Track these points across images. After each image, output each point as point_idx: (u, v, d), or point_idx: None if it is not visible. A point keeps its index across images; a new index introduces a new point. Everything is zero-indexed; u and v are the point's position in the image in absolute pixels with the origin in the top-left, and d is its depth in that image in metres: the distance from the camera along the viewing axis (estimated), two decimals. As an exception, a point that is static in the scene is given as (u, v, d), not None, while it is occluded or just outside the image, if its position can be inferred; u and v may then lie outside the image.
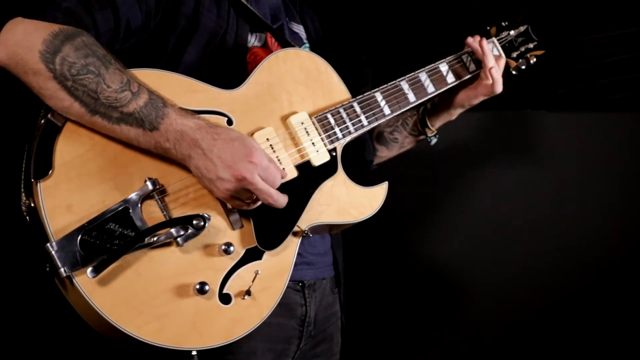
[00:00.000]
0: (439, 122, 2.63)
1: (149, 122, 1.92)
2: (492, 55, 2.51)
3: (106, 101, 1.90)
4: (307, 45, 2.50)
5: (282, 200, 2.02)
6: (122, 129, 1.92)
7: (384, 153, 2.71)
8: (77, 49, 1.90)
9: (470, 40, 2.53)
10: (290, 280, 2.14)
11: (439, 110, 2.61)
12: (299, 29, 2.51)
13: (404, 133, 2.66)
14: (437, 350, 3.75)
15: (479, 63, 2.53)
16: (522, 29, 2.64)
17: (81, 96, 1.89)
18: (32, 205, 1.89)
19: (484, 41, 2.52)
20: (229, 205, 2.03)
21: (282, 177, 2.04)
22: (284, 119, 2.18)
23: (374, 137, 2.67)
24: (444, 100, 2.58)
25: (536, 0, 3.18)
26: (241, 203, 2.01)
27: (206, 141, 1.94)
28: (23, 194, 1.93)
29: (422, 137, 2.64)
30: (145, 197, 1.96)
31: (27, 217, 1.93)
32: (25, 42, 1.88)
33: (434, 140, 2.63)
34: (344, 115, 2.27)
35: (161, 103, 1.95)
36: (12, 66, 1.90)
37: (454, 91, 2.56)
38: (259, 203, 2.03)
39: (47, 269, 1.88)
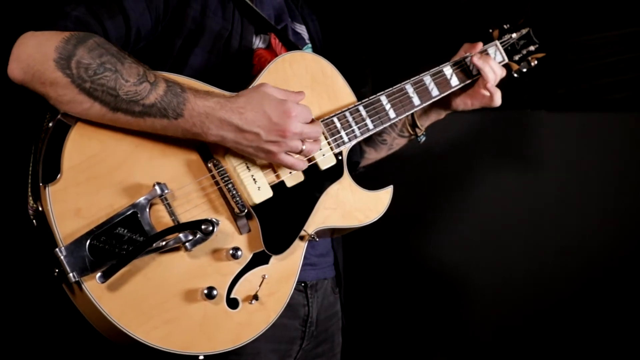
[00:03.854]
0: (428, 122, 2.71)
1: (172, 109, 1.97)
2: (492, 71, 2.58)
3: (126, 96, 1.94)
4: (310, 46, 2.56)
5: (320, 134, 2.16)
6: (147, 122, 1.97)
7: (372, 155, 2.77)
8: (90, 50, 1.94)
9: (475, 59, 2.60)
10: None
11: (430, 111, 2.70)
12: (302, 30, 2.57)
13: (392, 135, 2.73)
14: (437, 350, 3.80)
15: None
16: (523, 31, 2.72)
17: (101, 96, 1.93)
18: (40, 209, 1.93)
19: (484, 57, 2.60)
20: (284, 165, 2.10)
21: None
22: (290, 122, 2.23)
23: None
24: (438, 102, 2.64)
25: (537, 2, 3.25)
26: (290, 160, 2.09)
27: (236, 117, 2.01)
28: (30, 198, 1.97)
29: (412, 137, 2.72)
30: (154, 201, 2.00)
31: (35, 221, 1.97)
32: (38, 53, 1.93)
33: (423, 139, 2.71)
34: (350, 119, 2.32)
35: (179, 88, 1.99)
36: (27, 80, 1.94)
37: (451, 93, 2.62)
38: (309, 151, 2.12)
39: (56, 274, 1.91)
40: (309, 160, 2.23)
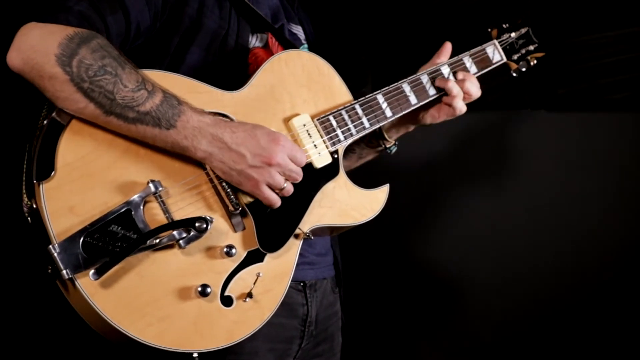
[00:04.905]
0: (396, 135, 2.65)
1: (165, 120, 1.97)
2: (455, 84, 2.49)
3: (122, 101, 1.95)
4: (306, 46, 2.56)
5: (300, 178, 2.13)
6: (138, 129, 1.97)
7: (344, 164, 2.73)
8: (93, 51, 1.94)
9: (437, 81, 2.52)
10: (291, 280, 2.19)
11: (399, 125, 2.63)
12: (298, 30, 2.57)
13: (361, 144, 2.69)
14: (436, 349, 3.80)
15: (482, 66, 2.61)
16: (522, 31, 2.72)
17: (97, 97, 1.93)
18: (34, 206, 1.93)
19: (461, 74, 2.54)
20: (263, 198, 2.08)
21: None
22: (286, 120, 2.23)
23: None
24: (406, 116, 2.55)
25: (536, 2, 3.24)
26: (269, 194, 2.07)
27: (227, 135, 2.01)
28: (25, 195, 1.97)
29: (381, 148, 2.66)
30: (148, 199, 2.00)
31: (29, 219, 1.97)
32: (40, 46, 1.93)
33: (394, 150, 2.67)
34: (346, 117, 2.32)
35: (176, 101, 2.00)
36: (26, 71, 1.94)
37: (419, 108, 2.54)
38: (288, 191, 2.10)
39: (49, 271, 1.92)
40: None
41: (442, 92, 2.52)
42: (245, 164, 2.02)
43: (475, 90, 2.52)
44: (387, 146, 2.65)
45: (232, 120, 2.12)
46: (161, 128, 1.98)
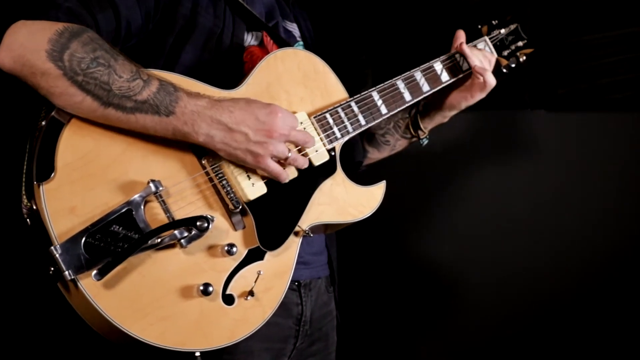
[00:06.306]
0: (432, 125, 2.71)
1: (164, 107, 1.98)
2: (475, 55, 2.60)
3: (119, 91, 1.95)
4: (301, 43, 2.57)
5: (312, 140, 2.17)
6: (138, 118, 1.98)
7: (375, 155, 2.79)
8: (84, 45, 1.95)
9: (460, 46, 2.62)
10: None
11: (433, 112, 2.69)
12: (293, 28, 2.59)
13: (396, 136, 2.74)
14: (432, 348, 3.81)
15: None
16: (512, 27, 2.75)
17: (93, 89, 1.94)
18: (35, 208, 1.94)
19: (464, 45, 2.61)
20: (269, 172, 2.10)
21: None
22: (283, 118, 2.24)
23: (365, 138, 2.75)
24: (438, 102, 2.65)
25: (537, 2, 3.26)
26: (275, 167, 2.09)
27: (225, 115, 2.02)
28: (24, 197, 1.98)
29: (415, 139, 2.73)
30: (148, 198, 2.01)
31: (28, 220, 1.98)
32: (30, 43, 1.93)
33: (425, 142, 2.72)
34: (342, 115, 2.34)
35: (172, 87, 2.01)
36: (17, 70, 1.94)
37: (447, 93, 2.63)
38: (294, 160, 2.12)
39: (51, 272, 1.92)
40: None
41: (458, 76, 2.60)
42: (249, 142, 2.04)
43: (483, 61, 2.61)
44: (420, 137, 2.69)
45: None
46: (160, 115, 1.98)
